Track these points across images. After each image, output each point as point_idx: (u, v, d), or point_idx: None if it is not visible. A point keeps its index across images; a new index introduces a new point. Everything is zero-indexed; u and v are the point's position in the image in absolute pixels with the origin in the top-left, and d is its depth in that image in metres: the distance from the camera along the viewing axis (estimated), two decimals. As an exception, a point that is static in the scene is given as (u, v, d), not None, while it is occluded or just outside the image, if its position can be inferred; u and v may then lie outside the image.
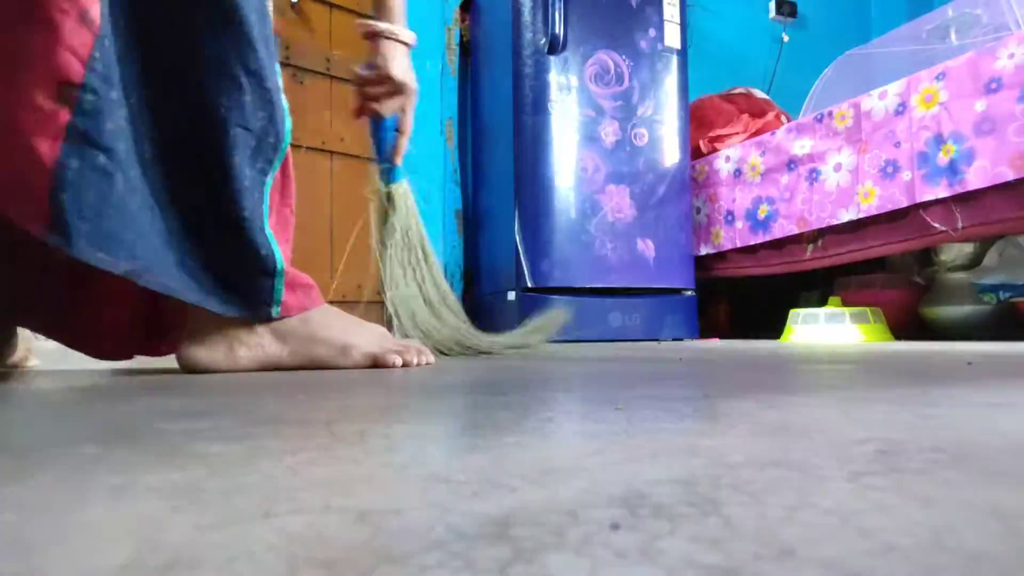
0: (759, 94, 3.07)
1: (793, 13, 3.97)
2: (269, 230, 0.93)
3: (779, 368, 0.92)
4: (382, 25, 1.26)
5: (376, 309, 2.91)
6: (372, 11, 1.29)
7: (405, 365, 0.97)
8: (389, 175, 1.42)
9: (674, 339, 2.41)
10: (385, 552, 0.19)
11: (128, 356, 1.06)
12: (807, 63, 3.47)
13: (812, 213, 2.26)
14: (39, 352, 1.17)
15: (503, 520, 0.22)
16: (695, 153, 2.74)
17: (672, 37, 2.63)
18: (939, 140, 1.87)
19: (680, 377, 0.78)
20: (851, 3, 4.37)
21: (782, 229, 2.38)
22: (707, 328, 2.33)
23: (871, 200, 2.05)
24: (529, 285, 2.41)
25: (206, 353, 0.93)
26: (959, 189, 1.82)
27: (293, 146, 2.89)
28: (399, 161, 1.42)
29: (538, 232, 2.43)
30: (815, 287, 2.77)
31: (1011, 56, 1.72)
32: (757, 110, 2.91)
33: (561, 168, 2.44)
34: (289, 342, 0.96)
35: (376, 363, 0.97)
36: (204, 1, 0.86)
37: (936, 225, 1.91)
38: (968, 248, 2.28)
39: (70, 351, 1.01)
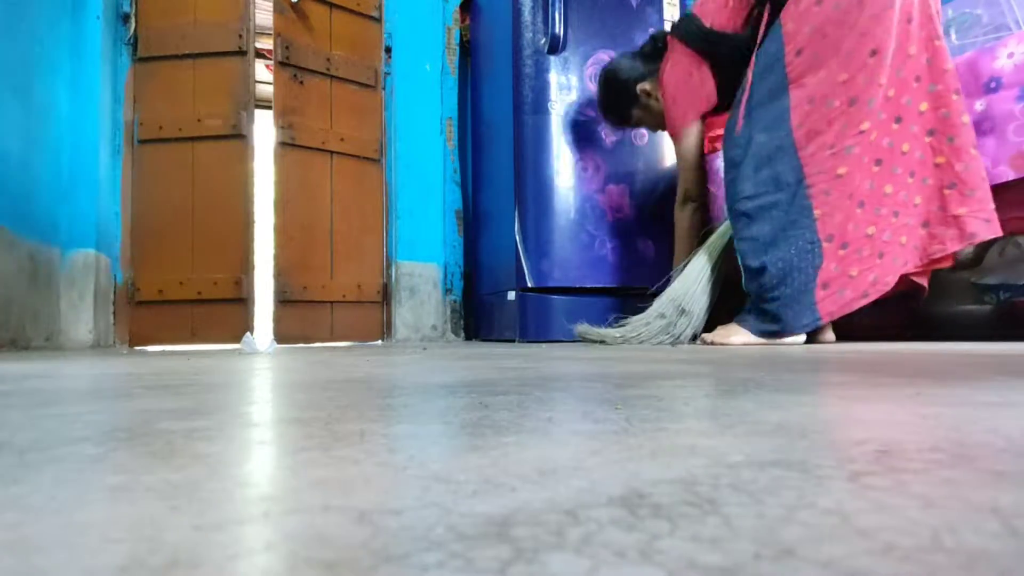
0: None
1: (793, 13, 3.96)
2: None
3: (778, 368, 0.92)
4: None
5: (376, 309, 2.91)
6: None
7: None
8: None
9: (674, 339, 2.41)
10: (385, 552, 0.19)
11: None
12: (807, 63, 3.47)
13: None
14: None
15: (503, 520, 0.22)
16: (695, 153, 2.74)
17: (672, 37, 2.62)
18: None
19: (680, 377, 0.78)
20: (851, 3, 4.37)
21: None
22: (710, 328, 2.33)
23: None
24: (529, 285, 2.41)
25: None
26: None
27: (293, 146, 2.88)
28: None
29: (538, 232, 2.43)
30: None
31: (1011, 56, 1.72)
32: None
33: (561, 168, 2.44)
34: None
35: None
36: None
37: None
38: (968, 248, 2.27)
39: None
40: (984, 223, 1.71)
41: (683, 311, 2.05)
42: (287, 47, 2.63)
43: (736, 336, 1.85)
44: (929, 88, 1.74)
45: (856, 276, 1.75)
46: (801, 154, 1.81)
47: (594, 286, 2.44)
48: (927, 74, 1.74)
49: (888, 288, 1.75)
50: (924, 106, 1.74)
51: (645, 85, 2.19)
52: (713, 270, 2.07)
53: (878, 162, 1.76)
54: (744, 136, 1.91)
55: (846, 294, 1.76)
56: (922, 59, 1.74)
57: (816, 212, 1.78)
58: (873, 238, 1.75)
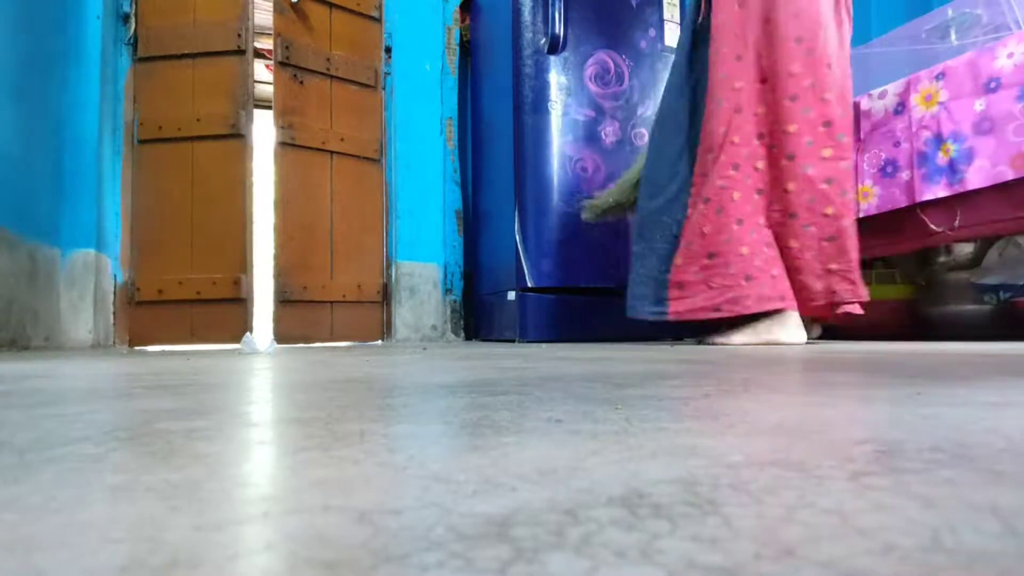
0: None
1: (793, 13, 3.96)
2: None
3: (778, 368, 0.92)
4: None
5: (376, 309, 2.91)
6: None
7: None
8: None
9: (674, 339, 2.41)
10: (385, 552, 0.19)
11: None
12: (807, 63, 3.46)
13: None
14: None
15: (503, 520, 0.22)
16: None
17: (672, 37, 2.63)
18: (939, 140, 1.87)
19: (680, 377, 0.77)
20: (851, 3, 4.37)
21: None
22: (715, 328, 2.34)
23: (870, 199, 2.06)
24: (529, 285, 2.41)
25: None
26: (959, 189, 1.82)
27: (293, 146, 2.87)
28: None
29: (538, 232, 2.43)
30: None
31: (1010, 56, 1.73)
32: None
33: (561, 168, 2.44)
34: None
35: None
36: None
37: (933, 226, 1.92)
38: (968, 248, 2.28)
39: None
40: (848, 284, 1.69)
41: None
42: (287, 47, 2.63)
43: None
44: (838, 137, 1.71)
45: (715, 288, 1.75)
46: (699, 149, 1.81)
47: (594, 286, 2.44)
48: (842, 123, 1.71)
49: (746, 311, 1.73)
50: (828, 152, 1.71)
51: None
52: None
53: (759, 191, 1.76)
54: (666, 104, 1.94)
55: (697, 300, 1.77)
56: (838, 108, 1.71)
57: (688, 211, 1.80)
58: (745, 259, 1.74)
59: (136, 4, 2.60)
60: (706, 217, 1.76)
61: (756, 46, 1.75)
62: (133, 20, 2.60)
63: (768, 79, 1.75)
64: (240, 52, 2.57)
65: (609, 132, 2.49)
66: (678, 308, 1.78)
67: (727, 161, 1.75)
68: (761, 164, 1.76)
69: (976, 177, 1.78)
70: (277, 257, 2.59)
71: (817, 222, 1.70)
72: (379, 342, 2.85)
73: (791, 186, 1.72)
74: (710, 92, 1.79)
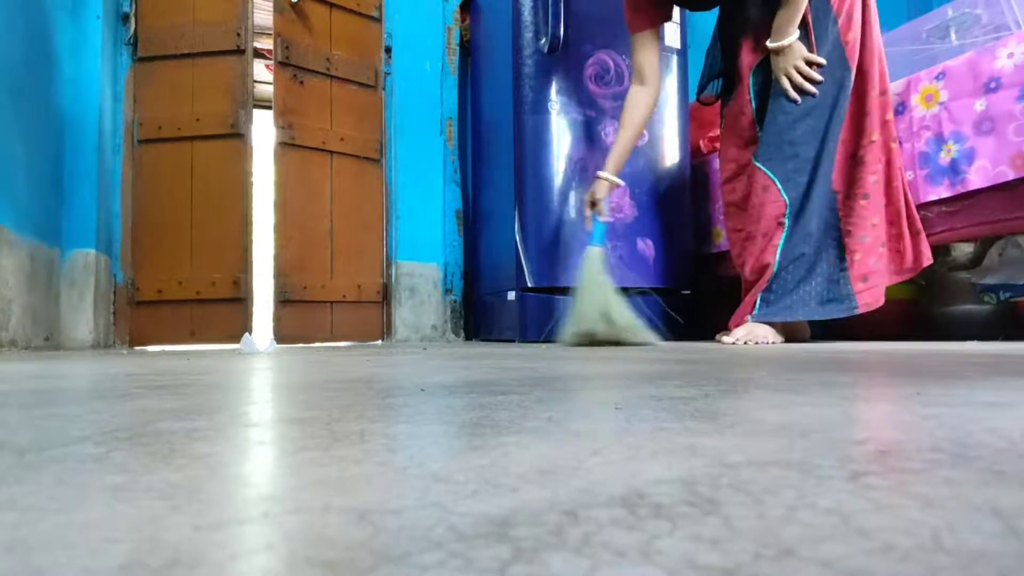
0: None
1: (793, 13, 3.95)
2: None
3: (778, 368, 0.92)
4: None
5: (376, 309, 2.91)
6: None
7: None
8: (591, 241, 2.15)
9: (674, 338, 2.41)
10: (385, 552, 0.19)
11: None
12: (807, 63, 3.46)
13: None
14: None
15: (503, 520, 0.22)
16: (695, 153, 2.74)
17: (672, 37, 2.62)
18: (940, 140, 1.87)
19: (680, 377, 0.77)
20: (851, 3, 4.36)
21: (782, 229, 2.37)
22: (718, 328, 2.33)
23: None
24: (529, 285, 2.41)
25: None
26: (960, 189, 1.82)
27: (293, 146, 2.87)
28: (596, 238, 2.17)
29: (538, 232, 2.43)
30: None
31: (1011, 56, 1.72)
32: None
33: (561, 168, 2.44)
34: None
35: None
36: None
37: (933, 226, 1.92)
38: (968, 248, 2.28)
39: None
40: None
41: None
42: (287, 47, 2.63)
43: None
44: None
45: (900, 251, 1.94)
46: (837, 158, 1.98)
47: (594, 286, 2.44)
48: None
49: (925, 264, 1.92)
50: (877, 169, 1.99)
51: None
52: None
53: (874, 175, 1.97)
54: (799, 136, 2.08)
55: (884, 279, 1.94)
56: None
57: (842, 212, 1.98)
58: (876, 227, 1.93)
59: (136, 4, 2.60)
60: (869, 209, 1.94)
61: (881, 81, 1.98)
62: (133, 20, 2.60)
63: (885, 91, 1.99)
64: (240, 52, 2.57)
65: (609, 132, 2.49)
66: (867, 299, 1.91)
67: (873, 159, 1.95)
68: (883, 157, 1.99)
69: (977, 177, 1.78)
70: (277, 257, 2.59)
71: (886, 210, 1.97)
72: (379, 342, 2.85)
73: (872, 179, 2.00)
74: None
